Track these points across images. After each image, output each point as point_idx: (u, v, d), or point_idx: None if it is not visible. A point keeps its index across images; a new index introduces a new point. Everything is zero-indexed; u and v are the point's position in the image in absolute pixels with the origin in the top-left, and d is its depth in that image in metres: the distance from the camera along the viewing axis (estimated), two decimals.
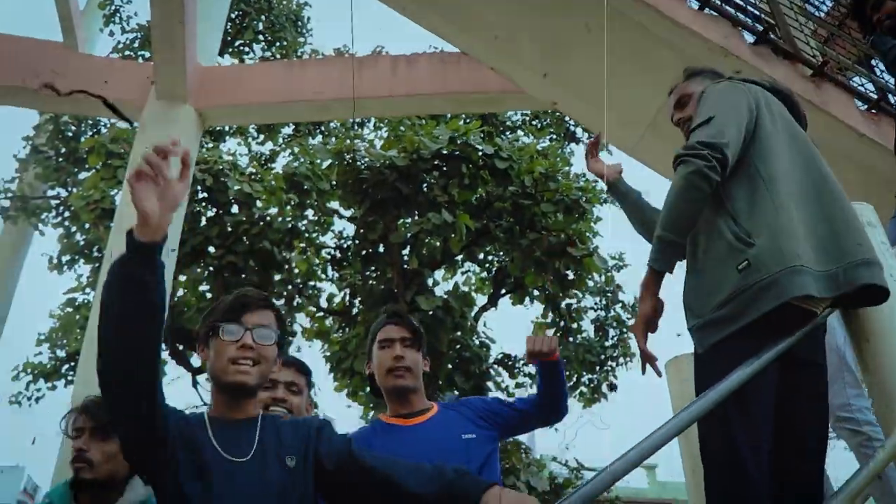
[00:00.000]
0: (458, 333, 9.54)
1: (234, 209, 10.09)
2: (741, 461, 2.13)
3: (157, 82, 7.31)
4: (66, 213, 11.64)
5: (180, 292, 10.96)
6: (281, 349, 2.45)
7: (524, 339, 3.19)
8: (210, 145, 11.43)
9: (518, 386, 11.97)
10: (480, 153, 9.42)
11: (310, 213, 11.26)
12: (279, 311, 2.47)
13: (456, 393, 9.14)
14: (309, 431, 2.40)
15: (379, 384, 3.10)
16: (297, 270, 11.21)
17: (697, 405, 2.01)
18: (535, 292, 11.65)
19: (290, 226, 10.58)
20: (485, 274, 12.25)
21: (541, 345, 3.00)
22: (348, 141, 11.25)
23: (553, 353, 3.04)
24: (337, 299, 11.50)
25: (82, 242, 11.43)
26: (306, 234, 11.11)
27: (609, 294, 12.95)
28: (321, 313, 11.55)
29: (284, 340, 2.48)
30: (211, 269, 10.06)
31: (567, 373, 12.63)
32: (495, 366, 11.50)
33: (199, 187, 9.43)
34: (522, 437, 20.82)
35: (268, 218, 10.27)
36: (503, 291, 11.74)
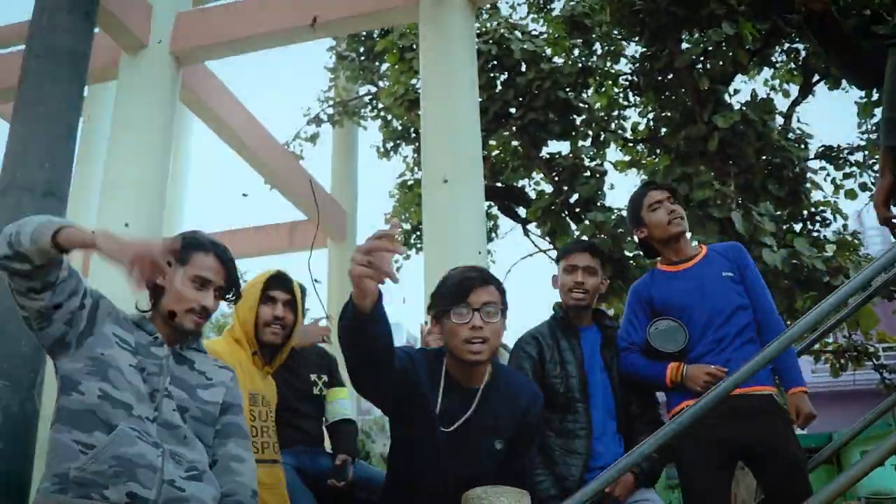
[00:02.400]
0: (764, 143, 9.26)
1: (523, 68, 10.49)
2: None
3: None
4: (380, 105, 12.78)
5: (495, 152, 11.76)
6: (504, 317, 2.62)
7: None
8: (487, 6, 11.73)
9: (846, 177, 11.27)
10: None
11: (597, 47, 11.33)
12: (500, 283, 2.65)
13: (768, 203, 8.98)
14: (528, 419, 2.67)
15: (657, 237, 3.59)
16: (598, 106, 11.43)
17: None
18: None
19: (580, 67, 10.76)
20: (792, 65, 11.55)
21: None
22: None
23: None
24: (641, 126, 11.64)
25: (400, 128, 12.58)
26: (598, 69, 11.19)
27: None
28: (629, 144, 11.76)
29: (506, 310, 2.63)
30: (514, 128, 10.63)
31: None
32: (816, 160, 11.02)
33: (485, 59, 9.91)
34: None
35: (557, 65, 10.54)
36: (815, 79, 11.08)
